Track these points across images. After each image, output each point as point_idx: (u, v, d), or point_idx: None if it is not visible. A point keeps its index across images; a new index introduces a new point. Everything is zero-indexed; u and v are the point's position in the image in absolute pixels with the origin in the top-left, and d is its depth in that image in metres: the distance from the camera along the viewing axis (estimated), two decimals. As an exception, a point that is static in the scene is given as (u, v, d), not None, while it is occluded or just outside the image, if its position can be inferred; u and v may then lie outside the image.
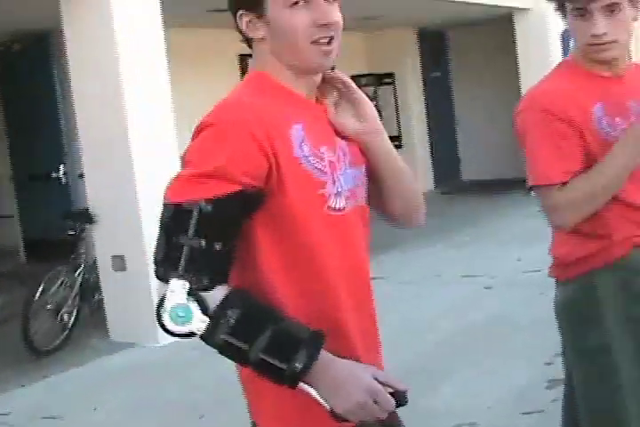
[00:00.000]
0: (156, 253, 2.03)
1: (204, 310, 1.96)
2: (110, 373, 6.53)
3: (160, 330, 5.92)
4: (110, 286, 7.37)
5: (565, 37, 14.38)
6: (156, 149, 7.12)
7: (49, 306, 7.13)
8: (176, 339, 6.59)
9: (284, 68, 2.14)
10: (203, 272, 1.97)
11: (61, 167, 10.31)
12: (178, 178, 2.03)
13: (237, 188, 1.96)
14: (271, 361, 1.95)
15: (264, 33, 2.12)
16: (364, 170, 2.25)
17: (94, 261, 7.53)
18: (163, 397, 5.88)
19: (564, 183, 2.78)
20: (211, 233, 1.97)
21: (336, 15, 2.09)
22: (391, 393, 1.99)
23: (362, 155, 2.24)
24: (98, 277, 7.48)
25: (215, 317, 1.95)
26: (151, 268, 6.63)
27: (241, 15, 2.13)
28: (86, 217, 7.38)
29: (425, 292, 8.12)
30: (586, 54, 2.90)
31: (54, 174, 10.33)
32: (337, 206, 2.11)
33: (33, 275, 7.27)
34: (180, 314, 1.96)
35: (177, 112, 7.38)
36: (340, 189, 2.12)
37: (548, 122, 2.82)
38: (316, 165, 2.08)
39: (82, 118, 7.33)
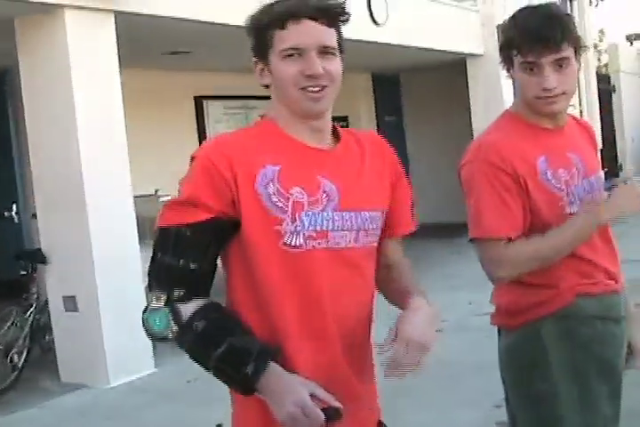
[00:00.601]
0: (148, 269, 2.34)
1: (177, 319, 2.25)
2: (60, 414, 6.48)
3: (110, 371, 5.99)
4: (61, 326, 7.31)
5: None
6: (109, 190, 7.12)
7: (-1, 346, 7.07)
8: (127, 380, 6.57)
9: (285, 113, 2.40)
10: (178, 287, 2.28)
11: (14, 206, 10.23)
12: (165, 205, 2.35)
13: (210, 215, 2.26)
14: (225, 369, 2.23)
15: (269, 80, 2.39)
16: (365, 215, 2.40)
17: (46, 302, 7.47)
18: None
19: (510, 239, 2.82)
20: (186, 254, 2.28)
21: (326, 68, 2.32)
22: (325, 409, 2.16)
23: (369, 202, 2.41)
24: (49, 318, 7.41)
25: (184, 326, 2.25)
26: (102, 308, 6.58)
27: (255, 63, 2.42)
28: (39, 257, 7.33)
29: (377, 334, 8.13)
30: (532, 107, 2.95)
31: (7, 213, 10.25)
32: (293, 243, 2.28)
33: (-16, 315, 7.20)
34: (157, 322, 2.25)
35: (132, 153, 7.40)
36: (298, 229, 2.28)
37: (495, 175, 2.86)
38: (276, 204, 2.28)
39: (35, 158, 7.31)
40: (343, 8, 2.38)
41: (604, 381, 2.96)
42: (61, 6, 6.79)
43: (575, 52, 2.89)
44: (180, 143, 11.71)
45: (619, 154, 22.69)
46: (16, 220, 10.24)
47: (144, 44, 8.98)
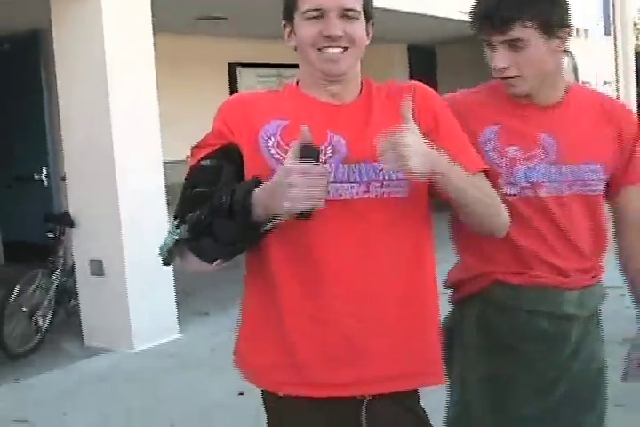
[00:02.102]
0: None
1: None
2: (83, 378, 6.48)
3: (134, 336, 5.98)
4: (87, 290, 7.32)
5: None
6: (139, 156, 7.09)
7: (24, 309, 7.06)
8: (150, 346, 6.53)
9: (307, 76, 2.47)
10: (192, 210, 2.32)
11: (44, 169, 10.25)
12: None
13: (212, 149, 2.41)
14: (219, 204, 2.24)
15: (295, 43, 2.43)
16: (378, 166, 2.33)
17: (72, 265, 7.49)
18: (134, 404, 5.84)
19: None
20: (200, 182, 2.38)
21: (346, 30, 2.33)
22: (303, 150, 2.14)
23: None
24: (75, 282, 7.43)
25: (186, 220, 2.32)
26: (129, 273, 6.55)
27: (284, 25, 2.46)
28: (67, 220, 7.32)
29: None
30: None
31: (37, 176, 10.27)
32: None
33: (11, 277, 7.20)
34: (168, 240, 2.32)
35: (163, 119, 7.36)
36: None
37: None
38: (274, 156, 2.35)
39: (66, 121, 7.28)
40: None
41: (524, 377, 2.79)
42: (95, -32, 6.74)
43: (546, 31, 2.61)
44: (211, 110, 11.60)
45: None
46: (46, 183, 10.27)
47: (180, 8, 8.92)
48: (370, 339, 2.38)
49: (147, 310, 7.09)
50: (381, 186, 2.34)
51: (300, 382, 2.40)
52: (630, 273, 2.93)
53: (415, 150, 2.16)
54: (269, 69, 12.44)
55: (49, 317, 7.29)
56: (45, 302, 7.26)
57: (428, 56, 16.37)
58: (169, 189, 7.32)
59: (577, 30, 15.68)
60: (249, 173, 2.36)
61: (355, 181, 2.33)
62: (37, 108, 10.24)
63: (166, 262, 2.40)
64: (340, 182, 2.33)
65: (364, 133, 2.36)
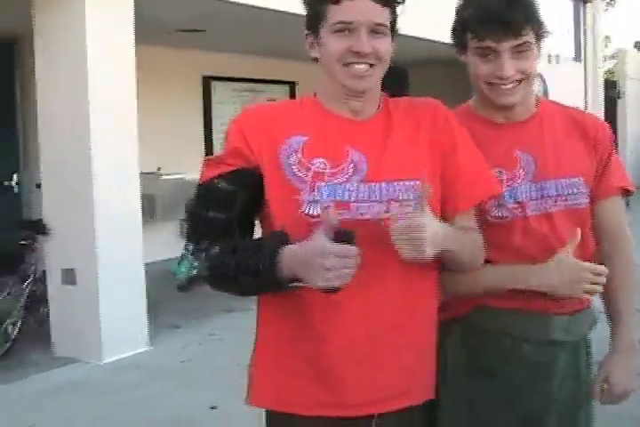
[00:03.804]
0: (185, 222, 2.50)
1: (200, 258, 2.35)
2: (50, 388, 6.42)
3: (104, 347, 5.95)
4: (58, 299, 7.28)
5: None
6: (116, 165, 7.07)
7: (-6, 316, 7.02)
8: (120, 357, 6.48)
9: (328, 89, 2.42)
10: (206, 237, 2.35)
11: (15, 176, 10.19)
12: (202, 164, 2.45)
13: (229, 169, 2.34)
14: (246, 263, 2.21)
15: (318, 54, 2.40)
16: (397, 186, 2.33)
17: (43, 273, 7.43)
18: (102, 416, 5.79)
19: None
20: (214, 205, 2.35)
21: (375, 47, 2.32)
22: (338, 235, 2.09)
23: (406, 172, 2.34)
24: (46, 290, 7.38)
25: (203, 257, 2.32)
26: (101, 283, 6.48)
27: (306, 35, 2.42)
28: (40, 227, 7.28)
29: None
30: (486, 97, 2.67)
31: (7, 183, 10.20)
32: (310, 213, 2.29)
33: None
34: (182, 268, 2.24)
35: (138, 128, 7.37)
36: (316, 198, 2.29)
37: None
38: (296, 173, 2.32)
39: (44, 130, 7.25)
40: None
41: (509, 407, 2.65)
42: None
43: (537, 37, 2.57)
44: (184, 122, 11.64)
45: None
46: (16, 190, 10.20)
47: (158, 20, 8.92)
48: (381, 358, 2.36)
49: (118, 321, 7.05)
50: (400, 206, 2.31)
51: (332, 403, 2.36)
52: (605, 291, 2.73)
53: (431, 240, 2.16)
54: (244, 84, 12.44)
55: (18, 325, 7.23)
56: (15, 311, 7.21)
57: (401, 76, 16.42)
58: (141, 199, 7.34)
59: (549, 55, 15.84)
60: (270, 190, 2.33)
61: (375, 200, 2.32)
62: (9, 115, 10.18)
63: (182, 290, 2.38)
64: (362, 201, 2.31)
65: (383, 151, 2.35)
